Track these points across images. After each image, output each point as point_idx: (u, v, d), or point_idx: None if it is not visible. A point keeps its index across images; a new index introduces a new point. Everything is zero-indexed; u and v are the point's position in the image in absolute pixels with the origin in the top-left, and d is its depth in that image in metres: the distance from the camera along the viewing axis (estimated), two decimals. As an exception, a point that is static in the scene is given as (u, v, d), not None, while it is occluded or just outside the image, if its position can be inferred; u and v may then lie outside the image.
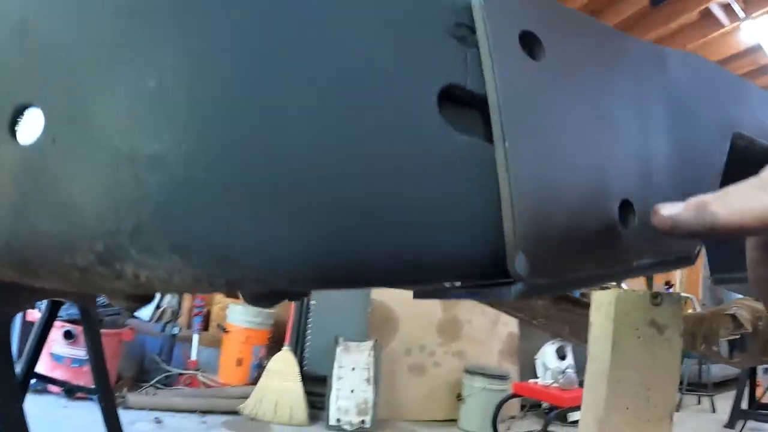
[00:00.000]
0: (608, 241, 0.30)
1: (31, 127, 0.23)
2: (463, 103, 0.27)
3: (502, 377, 3.95)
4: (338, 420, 3.59)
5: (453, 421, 4.02)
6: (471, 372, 3.95)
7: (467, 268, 0.26)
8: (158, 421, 3.12)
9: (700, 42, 5.41)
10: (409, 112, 0.24)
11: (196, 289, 0.22)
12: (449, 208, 0.25)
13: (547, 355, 3.51)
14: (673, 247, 0.35)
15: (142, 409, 3.24)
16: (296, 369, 3.71)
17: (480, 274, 0.26)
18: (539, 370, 3.64)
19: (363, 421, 3.63)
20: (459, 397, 4.02)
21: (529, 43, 0.29)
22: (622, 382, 1.01)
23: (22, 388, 1.41)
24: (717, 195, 0.26)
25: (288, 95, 0.22)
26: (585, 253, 0.29)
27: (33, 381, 1.65)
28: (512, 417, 3.76)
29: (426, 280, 0.26)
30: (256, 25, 0.22)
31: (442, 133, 0.25)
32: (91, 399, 1.83)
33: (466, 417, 3.93)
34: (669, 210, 0.28)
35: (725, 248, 0.70)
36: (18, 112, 0.23)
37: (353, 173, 0.23)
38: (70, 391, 2.09)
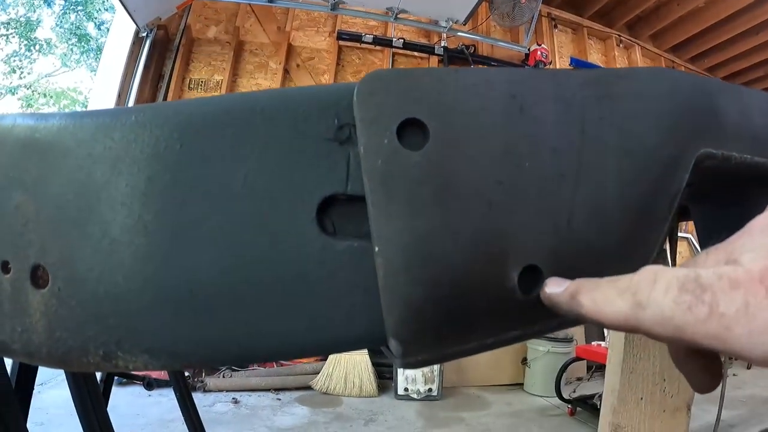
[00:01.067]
0: (501, 312, 0.30)
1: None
2: (349, 204, 0.29)
3: (567, 340, 3.92)
4: (406, 389, 3.70)
5: (519, 385, 4.05)
6: (535, 335, 3.94)
7: (359, 344, 0.31)
8: (236, 401, 3.33)
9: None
10: (289, 236, 0.29)
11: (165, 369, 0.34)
12: (334, 304, 0.29)
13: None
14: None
15: (220, 391, 3.48)
16: (363, 342, 3.83)
17: (372, 346, 0.31)
18: (605, 332, 3.58)
19: (430, 389, 3.72)
20: (524, 361, 4.03)
21: (412, 130, 0.29)
22: (636, 372, 1.01)
23: (105, 389, 1.54)
24: (591, 285, 0.27)
25: (194, 248, 0.30)
26: (470, 329, 0.30)
27: (115, 377, 1.81)
28: (579, 379, 3.73)
29: (324, 353, 0.32)
30: (169, 196, 0.30)
31: (321, 246, 0.29)
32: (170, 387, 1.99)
33: (532, 381, 3.95)
34: (552, 288, 0.29)
35: (713, 226, 0.64)
36: (35, 270, 0.32)
37: (248, 294, 0.30)
38: (150, 384, 2.29)
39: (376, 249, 0.28)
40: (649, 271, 0.25)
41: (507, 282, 0.31)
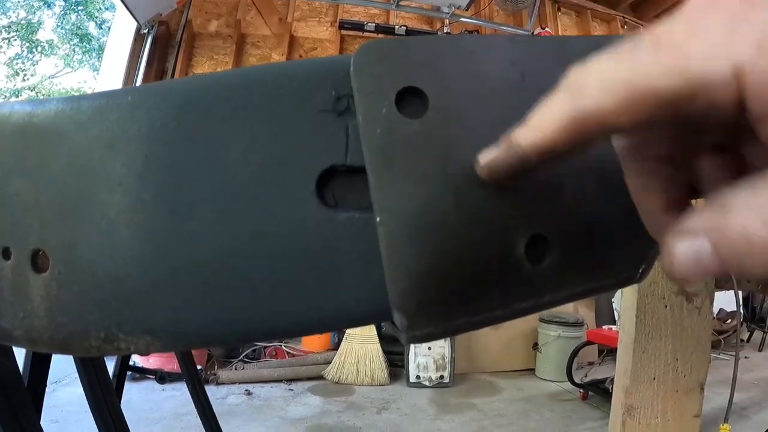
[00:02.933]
0: (509, 283, 0.30)
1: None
2: (350, 175, 0.29)
3: (577, 324, 3.91)
4: (418, 377, 3.72)
5: (530, 370, 4.05)
6: (545, 320, 3.94)
7: (363, 318, 0.30)
8: (248, 393, 3.36)
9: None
10: (289, 210, 0.29)
11: (167, 351, 0.33)
12: (337, 278, 0.29)
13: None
14: (611, 269, 0.34)
15: (233, 383, 3.50)
16: (374, 331, 3.85)
17: (377, 321, 0.30)
18: (616, 315, 3.57)
19: (442, 376, 3.73)
20: (535, 347, 4.03)
21: (411, 99, 0.29)
22: (648, 352, 1.00)
23: (118, 385, 1.55)
24: (524, 122, 0.24)
25: (194, 225, 0.29)
26: (477, 301, 0.29)
27: (129, 373, 1.82)
28: (590, 363, 3.73)
29: (327, 329, 0.32)
30: (166, 174, 0.30)
31: (321, 218, 0.28)
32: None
33: (543, 365, 3.95)
34: (485, 157, 0.26)
35: None
36: (36, 254, 0.32)
37: (248, 270, 0.29)
38: (162, 378, 2.31)
39: (378, 219, 0.27)
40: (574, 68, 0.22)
41: (514, 252, 0.30)
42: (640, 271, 0.36)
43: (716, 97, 0.18)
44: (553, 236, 0.32)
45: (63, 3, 12.18)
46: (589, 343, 3.60)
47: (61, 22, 12.33)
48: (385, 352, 3.81)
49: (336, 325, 0.30)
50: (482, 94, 0.31)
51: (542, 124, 0.23)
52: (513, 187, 0.31)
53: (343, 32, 5.18)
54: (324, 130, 0.29)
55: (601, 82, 0.20)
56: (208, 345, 0.32)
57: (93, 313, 0.30)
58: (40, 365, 0.94)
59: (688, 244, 0.19)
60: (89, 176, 0.31)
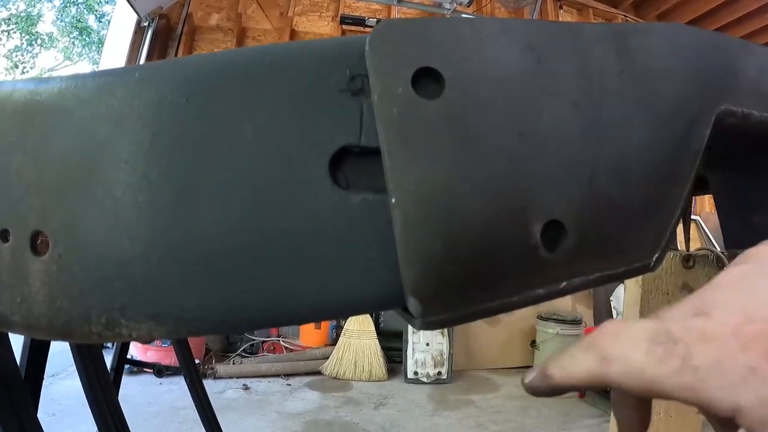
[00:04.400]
0: (526, 268, 0.29)
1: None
2: (363, 157, 0.28)
3: (576, 322, 3.91)
4: (415, 373, 3.71)
5: (528, 367, 4.04)
6: (544, 318, 3.94)
7: (376, 304, 0.30)
8: (246, 387, 3.35)
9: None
10: (301, 191, 0.28)
11: (170, 338, 0.32)
12: (350, 262, 0.28)
13: (620, 298, 3.44)
14: (626, 257, 0.34)
15: (230, 377, 3.50)
16: (372, 327, 3.85)
17: (390, 307, 0.30)
18: (614, 313, 3.57)
19: (440, 373, 3.73)
20: (533, 344, 4.03)
21: (427, 80, 0.28)
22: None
23: (116, 378, 1.54)
24: (556, 357, 0.28)
25: (203, 205, 0.29)
26: (493, 286, 0.29)
27: (126, 366, 1.81)
28: (588, 360, 3.73)
29: (337, 315, 0.31)
30: (178, 157, 0.29)
31: (334, 200, 0.28)
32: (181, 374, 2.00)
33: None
34: (527, 378, 0.29)
35: (740, 223, 0.63)
36: (35, 237, 0.31)
37: (258, 252, 0.28)
38: (160, 371, 2.30)
39: (393, 200, 0.26)
40: (609, 325, 0.26)
41: (530, 237, 0.30)
42: (655, 259, 0.35)
43: (711, 416, 0.24)
44: (570, 222, 0.31)
45: (63, -5, 12.14)
46: (587, 340, 3.60)
47: (61, 15, 12.27)
48: (383, 347, 3.81)
49: (347, 312, 0.29)
50: (499, 77, 0.30)
51: (571, 372, 0.26)
52: (529, 172, 0.30)
53: (345, 27, 5.16)
54: (338, 110, 0.28)
55: (627, 372, 0.24)
56: (214, 331, 0.31)
57: (94, 297, 0.30)
58: (37, 357, 0.93)
59: None
60: (94, 154, 0.30)
